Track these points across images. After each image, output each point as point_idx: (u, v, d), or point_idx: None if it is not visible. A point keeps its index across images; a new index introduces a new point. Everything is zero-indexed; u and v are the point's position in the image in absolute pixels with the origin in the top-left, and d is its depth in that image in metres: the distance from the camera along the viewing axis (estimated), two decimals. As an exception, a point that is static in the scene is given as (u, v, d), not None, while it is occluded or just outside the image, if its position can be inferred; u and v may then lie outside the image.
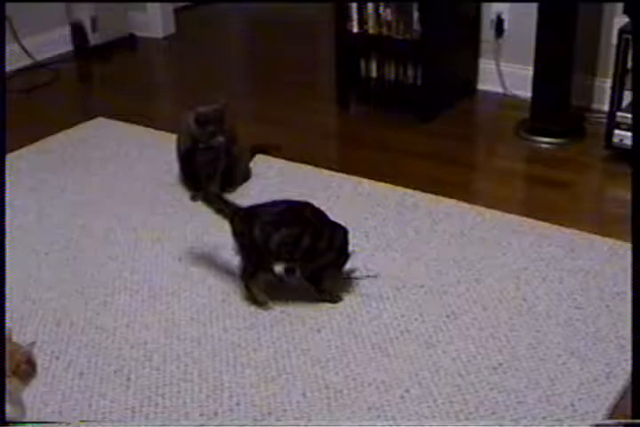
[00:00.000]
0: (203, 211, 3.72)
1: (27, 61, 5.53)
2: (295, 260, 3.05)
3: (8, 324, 2.85)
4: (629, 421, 2.33)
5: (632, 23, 3.82)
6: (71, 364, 2.81)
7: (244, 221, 3.02)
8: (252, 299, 3.07)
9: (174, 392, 2.67)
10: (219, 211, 3.12)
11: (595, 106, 4.54)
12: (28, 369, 2.29)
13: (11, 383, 2.23)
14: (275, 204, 3.10)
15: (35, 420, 2.50)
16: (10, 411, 2.21)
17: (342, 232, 3.05)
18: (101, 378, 2.75)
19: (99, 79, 5.70)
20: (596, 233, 3.43)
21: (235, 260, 3.14)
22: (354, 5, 4.55)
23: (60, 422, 2.54)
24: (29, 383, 2.31)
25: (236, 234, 3.04)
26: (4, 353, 2.27)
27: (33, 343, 2.37)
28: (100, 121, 4.71)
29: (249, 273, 3.06)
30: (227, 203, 3.14)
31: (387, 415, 2.54)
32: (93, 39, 5.75)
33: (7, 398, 2.22)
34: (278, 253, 3.01)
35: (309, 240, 2.96)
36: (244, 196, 3.86)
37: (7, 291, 3.12)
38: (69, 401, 2.65)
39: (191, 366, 2.79)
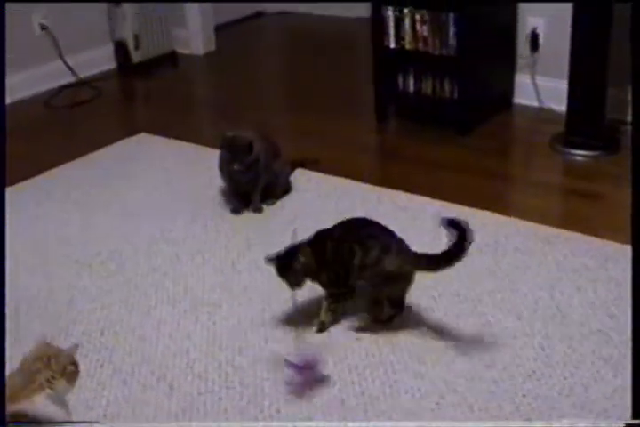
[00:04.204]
0: (243, 224, 3.81)
1: (71, 78, 5.65)
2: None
3: (48, 331, 2.94)
4: (630, 421, 2.35)
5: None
6: (115, 372, 2.87)
7: None
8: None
9: (216, 399, 2.73)
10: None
11: (630, 118, 4.57)
12: (73, 370, 2.36)
13: (58, 385, 2.30)
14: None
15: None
16: (57, 412, 2.29)
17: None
18: (144, 386, 2.81)
19: (141, 96, 5.82)
20: (629, 244, 3.44)
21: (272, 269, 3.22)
22: (391, 21, 4.63)
23: (59, 423, 2.60)
24: (75, 384, 2.38)
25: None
26: (5, 352, 2.35)
27: (76, 346, 2.43)
28: (143, 137, 4.80)
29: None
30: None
31: (422, 422, 2.59)
32: (136, 57, 5.86)
33: (54, 399, 2.29)
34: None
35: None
36: (284, 208, 3.94)
37: (52, 301, 3.25)
38: (113, 407, 2.71)
39: (232, 374, 2.84)
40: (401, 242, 2.97)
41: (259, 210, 3.91)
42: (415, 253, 2.95)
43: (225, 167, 3.82)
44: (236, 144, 3.73)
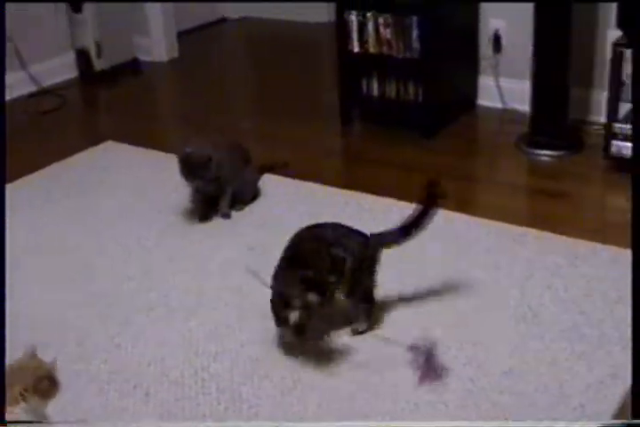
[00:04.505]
0: (213, 230, 3.82)
1: (33, 88, 5.63)
2: None
3: (30, 342, 2.93)
4: (630, 421, 2.38)
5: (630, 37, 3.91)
6: (92, 380, 2.88)
7: None
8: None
9: (193, 405, 2.74)
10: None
11: (592, 118, 4.63)
12: (48, 386, 2.36)
13: (30, 400, 2.30)
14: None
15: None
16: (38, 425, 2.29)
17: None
18: (121, 394, 2.81)
19: (105, 103, 5.80)
20: (597, 241, 3.51)
21: (247, 276, 3.24)
22: (354, 25, 4.65)
23: (59, 423, 2.61)
24: (52, 399, 2.38)
25: None
26: (4, 353, 2.36)
27: (54, 361, 2.44)
28: (109, 145, 4.80)
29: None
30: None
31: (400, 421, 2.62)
32: (98, 64, 5.85)
33: (32, 414, 2.29)
34: None
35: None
36: (253, 213, 3.95)
37: (26, 312, 3.22)
38: (91, 417, 2.71)
39: (209, 379, 2.85)
40: (355, 229, 3.04)
41: (227, 216, 3.92)
42: (374, 234, 3.05)
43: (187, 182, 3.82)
44: (194, 161, 3.71)
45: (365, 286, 3.01)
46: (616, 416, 2.57)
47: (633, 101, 3.61)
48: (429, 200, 3.03)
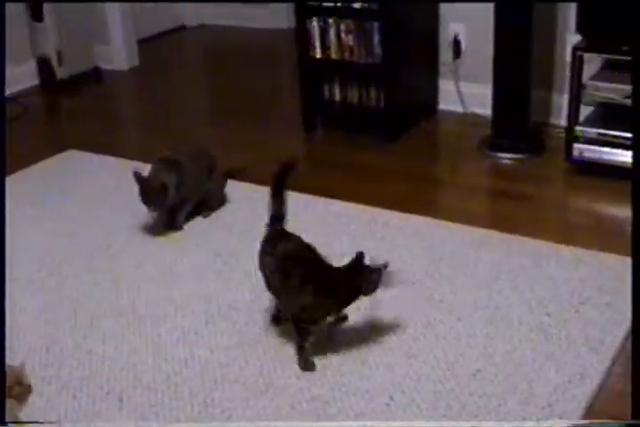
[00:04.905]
0: (180, 237, 3.83)
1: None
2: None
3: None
4: (630, 422, 2.40)
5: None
6: (64, 388, 2.87)
7: None
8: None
9: (167, 410, 2.75)
10: None
11: (553, 121, 4.69)
12: (19, 391, 2.37)
13: (9, 403, 2.30)
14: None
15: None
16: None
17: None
18: (94, 400, 2.81)
19: (67, 112, 5.78)
20: (560, 242, 3.55)
21: (215, 280, 3.24)
22: (316, 32, 4.69)
23: (59, 422, 2.60)
24: (25, 402, 2.39)
25: None
26: (5, 352, 2.36)
27: (23, 364, 2.44)
28: (72, 153, 4.79)
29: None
30: None
31: (373, 423, 2.64)
32: (60, 73, 5.84)
33: (7, 417, 2.30)
34: None
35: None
36: (220, 220, 3.96)
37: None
38: (65, 423, 2.70)
39: (181, 384, 2.86)
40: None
41: (179, 228, 3.91)
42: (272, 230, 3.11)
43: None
44: (149, 189, 3.71)
45: None
46: (584, 416, 2.61)
47: (633, 107, 3.61)
48: (277, 182, 3.10)
